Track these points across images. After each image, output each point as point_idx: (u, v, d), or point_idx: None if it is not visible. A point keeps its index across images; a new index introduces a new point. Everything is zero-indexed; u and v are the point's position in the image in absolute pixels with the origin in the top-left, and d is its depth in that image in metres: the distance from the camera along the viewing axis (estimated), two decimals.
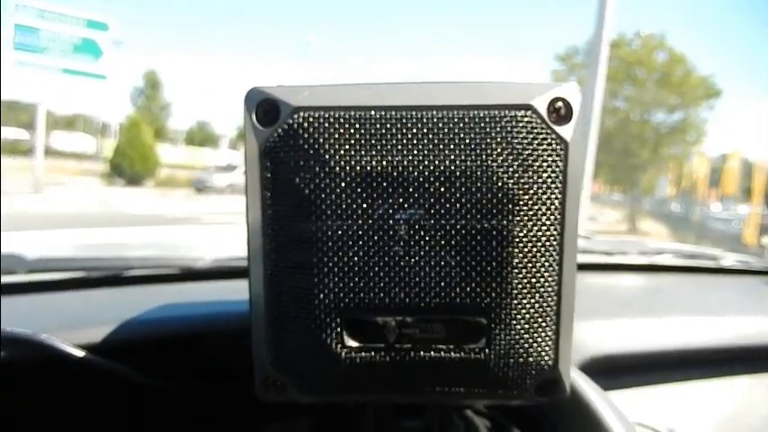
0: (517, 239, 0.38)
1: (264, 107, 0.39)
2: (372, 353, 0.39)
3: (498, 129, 0.38)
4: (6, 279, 0.79)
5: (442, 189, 0.37)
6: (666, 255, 1.27)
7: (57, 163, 17.56)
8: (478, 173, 0.37)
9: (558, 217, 0.39)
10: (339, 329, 0.39)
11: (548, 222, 0.38)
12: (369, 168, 0.37)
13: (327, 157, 0.38)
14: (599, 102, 6.60)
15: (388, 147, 0.38)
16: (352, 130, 0.38)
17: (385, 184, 0.38)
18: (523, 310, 0.39)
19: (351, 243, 0.38)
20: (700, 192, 14.25)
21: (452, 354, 0.39)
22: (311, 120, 0.38)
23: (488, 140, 0.37)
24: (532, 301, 0.39)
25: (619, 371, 0.74)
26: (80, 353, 0.53)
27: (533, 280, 0.39)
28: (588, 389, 0.52)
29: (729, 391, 0.82)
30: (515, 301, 0.38)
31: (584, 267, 1.08)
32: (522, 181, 0.38)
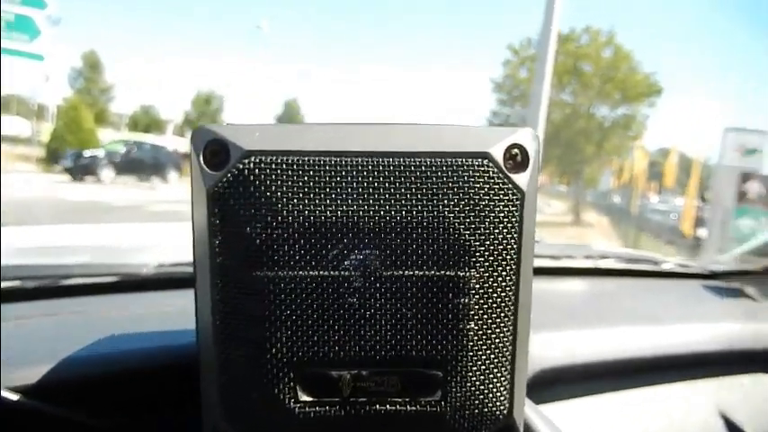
0: (473, 290, 0.37)
1: (213, 149, 0.37)
2: (327, 407, 0.38)
3: (455, 178, 0.37)
4: None
5: (398, 240, 0.37)
6: (610, 259, 1.32)
7: None
8: (435, 223, 0.37)
9: (514, 266, 0.38)
10: (292, 384, 0.38)
11: (503, 272, 0.38)
12: (322, 218, 0.36)
13: (279, 205, 0.36)
14: (546, 95, 6.76)
15: (343, 195, 0.36)
16: (305, 178, 0.36)
17: (339, 234, 0.36)
18: (479, 362, 0.38)
19: (304, 295, 0.36)
20: (639, 185, 14.92)
21: (408, 407, 0.39)
22: (263, 165, 0.36)
23: (444, 190, 0.37)
24: (488, 351, 0.39)
25: (561, 382, 0.75)
26: (15, 396, 0.49)
27: (489, 331, 0.38)
28: (539, 423, 0.53)
29: (667, 397, 0.86)
30: (471, 353, 0.38)
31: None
32: (478, 232, 0.37)
